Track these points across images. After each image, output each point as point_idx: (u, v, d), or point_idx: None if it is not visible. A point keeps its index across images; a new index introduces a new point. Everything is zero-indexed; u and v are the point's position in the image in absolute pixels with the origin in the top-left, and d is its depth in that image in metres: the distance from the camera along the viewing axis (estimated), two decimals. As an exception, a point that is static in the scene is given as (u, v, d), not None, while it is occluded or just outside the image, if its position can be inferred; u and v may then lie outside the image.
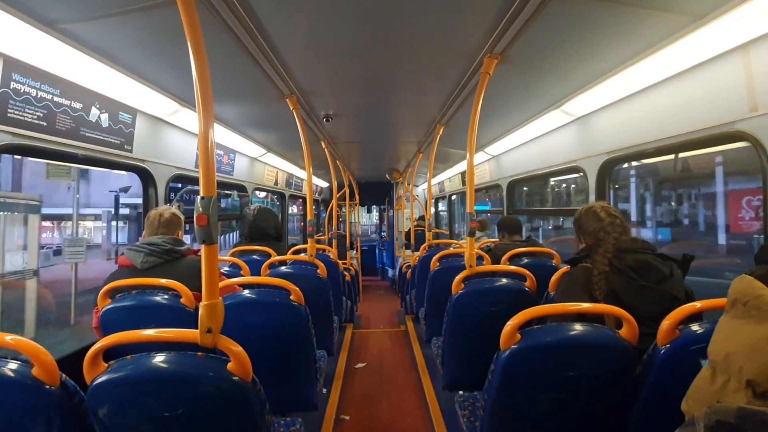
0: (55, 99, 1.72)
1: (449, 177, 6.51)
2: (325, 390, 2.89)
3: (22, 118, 1.57)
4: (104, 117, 2.01)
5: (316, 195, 7.89)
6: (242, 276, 2.20)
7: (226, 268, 2.38)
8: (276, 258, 2.47)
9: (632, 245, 1.41)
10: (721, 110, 1.55)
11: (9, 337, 0.98)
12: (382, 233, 9.52)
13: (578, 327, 1.16)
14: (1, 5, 1.24)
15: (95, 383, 0.99)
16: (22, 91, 1.56)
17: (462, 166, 5.35)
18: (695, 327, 1.08)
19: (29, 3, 1.28)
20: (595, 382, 1.15)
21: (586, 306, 1.24)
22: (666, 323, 1.08)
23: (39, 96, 1.64)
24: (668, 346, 1.07)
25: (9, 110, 1.52)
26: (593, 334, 1.15)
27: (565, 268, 1.79)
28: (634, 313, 1.17)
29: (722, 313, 0.81)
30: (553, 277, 1.81)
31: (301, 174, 5.97)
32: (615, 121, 2.24)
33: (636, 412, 1.14)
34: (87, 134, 1.91)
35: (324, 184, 7.89)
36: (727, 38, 1.41)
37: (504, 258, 2.36)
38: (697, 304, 1.11)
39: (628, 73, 1.81)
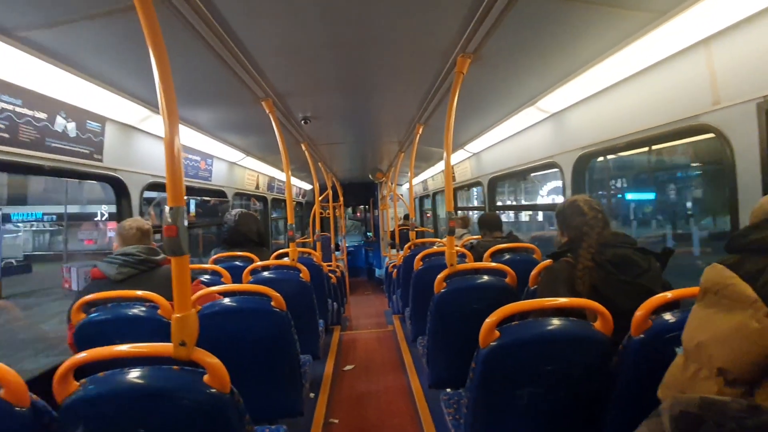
0: (17, 110, 1.66)
1: (432, 175, 6.54)
2: (312, 395, 2.87)
3: None
4: (71, 126, 1.94)
5: (300, 198, 7.82)
6: (223, 284, 2.17)
7: (207, 277, 2.34)
8: (257, 264, 2.44)
9: (613, 239, 1.42)
10: (686, 104, 1.60)
11: None
12: (368, 234, 9.52)
13: (555, 321, 1.18)
14: None
15: (66, 402, 0.96)
16: (-20, 102, 1.50)
17: (444, 164, 5.37)
18: (667, 316, 1.11)
19: None
20: (573, 374, 1.17)
21: (562, 301, 1.25)
22: (639, 314, 1.10)
23: (-1, 107, 1.58)
24: (642, 336, 1.10)
25: (-33, 123, 1.46)
26: (569, 327, 1.17)
27: (546, 262, 1.82)
28: (613, 306, 1.19)
29: (694, 303, 0.84)
30: (533, 272, 1.84)
31: (284, 177, 5.91)
32: (588, 117, 2.28)
33: (613, 401, 1.16)
34: (53, 145, 1.85)
35: (307, 187, 7.83)
36: (689, 34, 1.45)
37: (486, 255, 2.39)
38: (668, 295, 1.14)
39: (598, 69, 1.85)
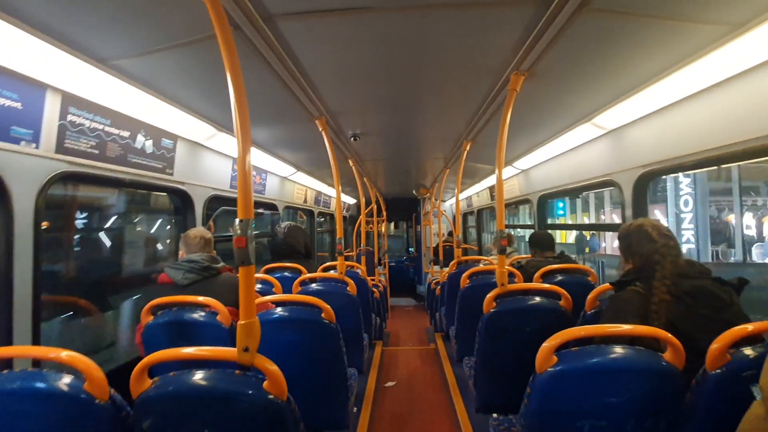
0: (106, 129, 1.86)
1: (477, 192, 6.44)
2: (355, 409, 2.87)
3: (76, 147, 1.71)
4: (148, 143, 2.14)
5: (344, 212, 7.99)
6: (274, 293, 2.25)
7: (259, 286, 2.44)
8: (307, 275, 2.51)
9: (689, 270, 1.31)
10: (765, 121, 1.48)
11: (64, 353, 1.05)
12: (410, 249, 9.49)
13: (619, 349, 1.11)
14: (59, 45, 1.36)
15: (141, 398, 1.03)
16: (77, 122, 1.70)
17: (490, 180, 5.30)
18: (748, 351, 1.02)
19: (85, 42, 1.40)
20: (640, 408, 1.09)
21: (626, 328, 1.18)
22: (715, 347, 1.02)
23: (92, 127, 1.78)
24: (719, 371, 1.01)
25: (66, 141, 1.65)
26: (635, 357, 1.10)
27: (602, 287, 1.73)
28: (694, 344, 1.10)
29: None
30: (590, 296, 1.75)
31: (329, 191, 6.08)
32: (651, 134, 2.17)
33: None
34: (133, 160, 2.05)
35: (351, 201, 7.99)
36: (768, 47, 1.35)
37: (536, 275, 2.30)
38: (749, 327, 1.05)
39: (662, 84, 1.76)
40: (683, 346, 1.08)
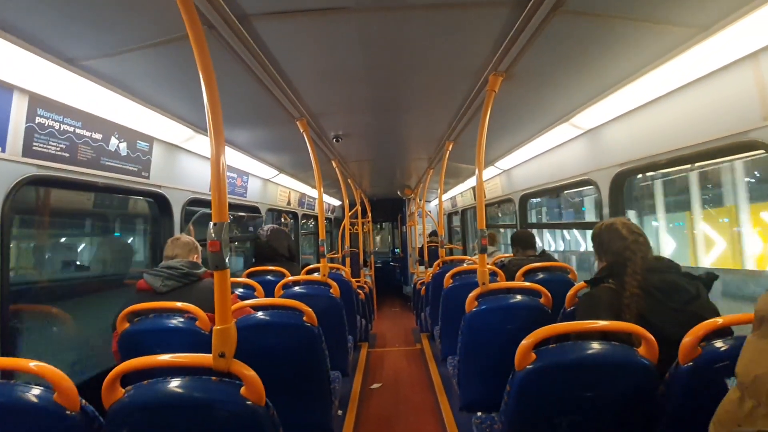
0: (77, 131, 1.80)
1: (461, 192, 6.50)
2: (340, 412, 2.85)
3: (46, 150, 1.65)
4: (123, 146, 2.09)
5: (329, 214, 7.95)
6: (256, 297, 2.22)
7: (241, 290, 2.40)
8: (289, 278, 2.48)
9: (658, 265, 1.36)
10: (734, 120, 1.53)
11: (32, 363, 1.01)
12: (395, 250, 9.50)
13: (595, 345, 1.13)
14: (25, 45, 1.31)
15: (113, 408, 1.00)
16: (46, 125, 1.64)
17: (473, 180, 5.34)
18: (718, 344, 1.05)
19: (52, 42, 1.35)
20: (616, 402, 1.12)
21: (602, 324, 1.20)
22: (687, 340, 1.05)
23: (62, 129, 1.72)
24: (690, 364, 1.04)
25: (34, 143, 1.59)
26: (611, 352, 1.12)
27: (580, 284, 1.76)
28: (663, 336, 1.13)
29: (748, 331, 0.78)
30: (569, 293, 1.78)
31: (314, 193, 6.04)
32: (626, 133, 2.22)
33: None
34: (107, 163, 1.99)
35: (336, 203, 7.95)
36: (734, 48, 1.40)
37: (518, 274, 2.33)
38: (719, 320, 1.08)
39: (636, 85, 1.81)
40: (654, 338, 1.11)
